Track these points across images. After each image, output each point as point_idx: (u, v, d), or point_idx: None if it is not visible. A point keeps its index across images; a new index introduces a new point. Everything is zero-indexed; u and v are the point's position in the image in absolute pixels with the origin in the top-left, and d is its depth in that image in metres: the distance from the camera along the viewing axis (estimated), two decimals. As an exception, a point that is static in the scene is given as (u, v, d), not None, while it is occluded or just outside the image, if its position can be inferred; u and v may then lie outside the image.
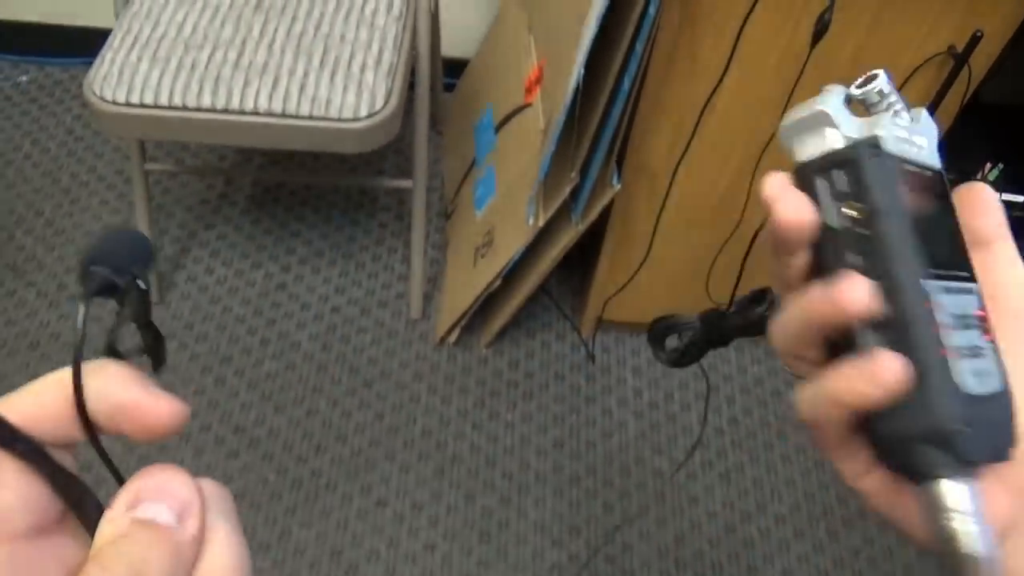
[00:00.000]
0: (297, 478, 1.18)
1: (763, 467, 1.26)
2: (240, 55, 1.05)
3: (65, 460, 0.21)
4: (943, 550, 0.24)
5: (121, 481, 0.20)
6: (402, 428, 1.24)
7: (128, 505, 0.19)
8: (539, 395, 1.30)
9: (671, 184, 1.06)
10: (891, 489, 0.27)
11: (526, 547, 1.15)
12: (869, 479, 0.27)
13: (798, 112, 0.28)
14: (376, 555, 1.13)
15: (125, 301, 0.23)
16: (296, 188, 1.53)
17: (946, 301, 0.25)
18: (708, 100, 0.94)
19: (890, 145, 0.26)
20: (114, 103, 1.01)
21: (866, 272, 0.25)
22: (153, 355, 0.24)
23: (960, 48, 0.89)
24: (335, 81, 1.04)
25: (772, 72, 0.92)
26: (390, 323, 1.36)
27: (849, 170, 0.26)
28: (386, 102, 1.04)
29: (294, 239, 1.45)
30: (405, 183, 1.28)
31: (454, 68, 1.61)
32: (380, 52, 1.08)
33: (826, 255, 0.26)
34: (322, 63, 1.05)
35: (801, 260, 0.27)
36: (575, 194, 1.08)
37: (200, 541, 0.20)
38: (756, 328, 0.35)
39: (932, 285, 0.25)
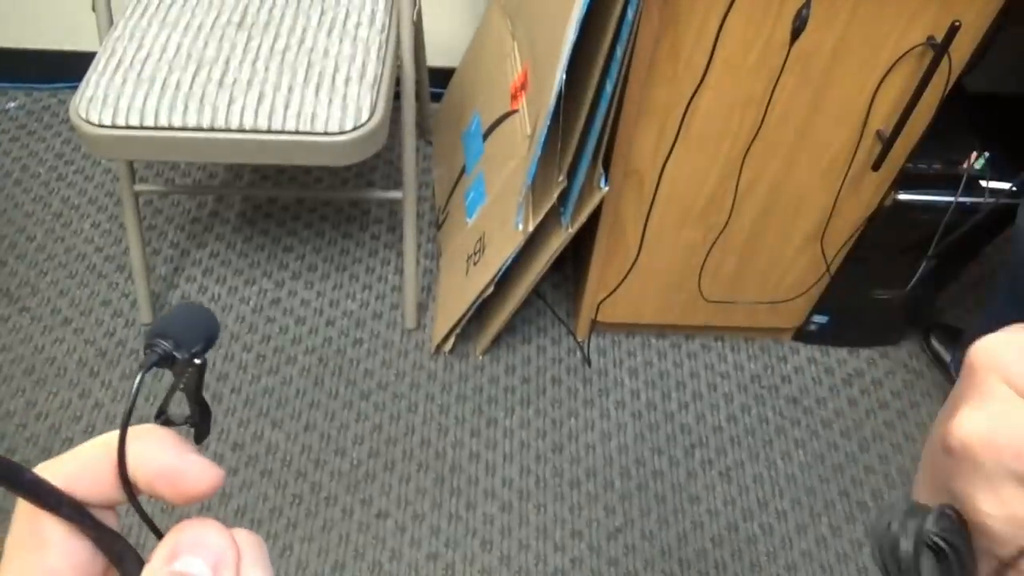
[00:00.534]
0: (297, 493, 1.18)
1: (763, 464, 1.26)
2: (224, 73, 1.05)
3: (108, 518, 0.22)
4: None
5: (160, 536, 0.22)
6: (400, 438, 1.24)
7: (167, 559, 0.21)
8: (536, 400, 1.30)
9: (658, 184, 1.06)
10: None
11: (528, 553, 1.15)
12: None
13: None
14: (379, 567, 1.13)
15: (180, 375, 0.24)
16: (287, 203, 1.53)
17: None
18: (691, 100, 0.94)
19: None
20: (100, 126, 1.01)
21: None
22: (197, 428, 0.26)
23: (939, 39, 0.90)
24: (320, 95, 1.04)
25: (753, 70, 0.92)
26: (385, 334, 1.36)
27: None
28: (371, 115, 1.04)
29: (286, 254, 1.45)
30: (395, 194, 1.28)
31: (440, 77, 1.61)
32: (364, 65, 1.09)
33: None
34: (306, 78, 1.06)
35: None
36: (563, 198, 1.09)
37: None
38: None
39: None
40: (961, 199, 1.12)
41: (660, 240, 1.17)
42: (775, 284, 1.27)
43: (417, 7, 1.27)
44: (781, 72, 0.91)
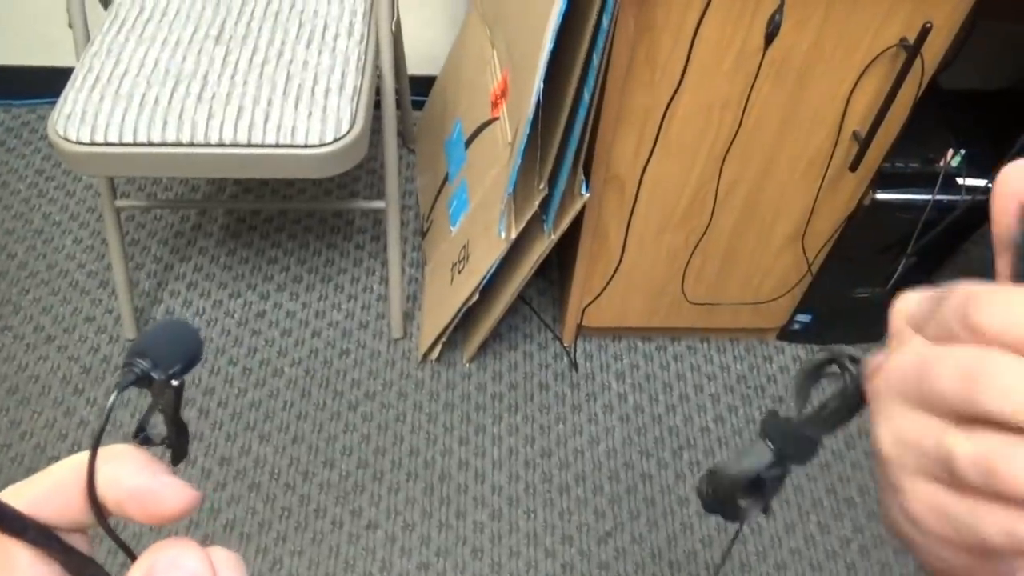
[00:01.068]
0: (286, 506, 1.18)
1: (751, 463, 1.26)
2: (203, 88, 1.05)
3: (79, 541, 0.22)
4: None
5: (133, 559, 0.21)
6: (389, 448, 1.24)
7: None
8: (524, 406, 1.31)
9: (639, 189, 1.07)
10: None
11: (519, 560, 1.15)
12: None
13: None
14: (370, 578, 1.12)
15: (157, 395, 0.24)
16: (270, 215, 1.53)
17: None
18: (668, 105, 0.95)
19: None
20: (79, 143, 1.00)
21: None
22: (174, 449, 0.25)
23: (911, 40, 0.91)
24: (299, 108, 1.04)
25: (729, 74, 0.93)
26: (372, 344, 1.36)
27: None
28: (351, 126, 1.04)
29: (271, 266, 1.45)
30: (379, 204, 1.28)
31: (422, 85, 1.61)
32: (343, 76, 1.09)
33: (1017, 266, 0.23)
34: (285, 91, 1.06)
35: (1003, 263, 0.24)
36: (545, 205, 1.09)
37: None
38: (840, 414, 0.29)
39: None
40: (938, 197, 1.13)
41: (643, 244, 1.17)
42: (758, 285, 1.27)
43: (396, 17, 1.27)
44: (757, 76, 0.92)
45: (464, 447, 1.25)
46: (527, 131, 0.97)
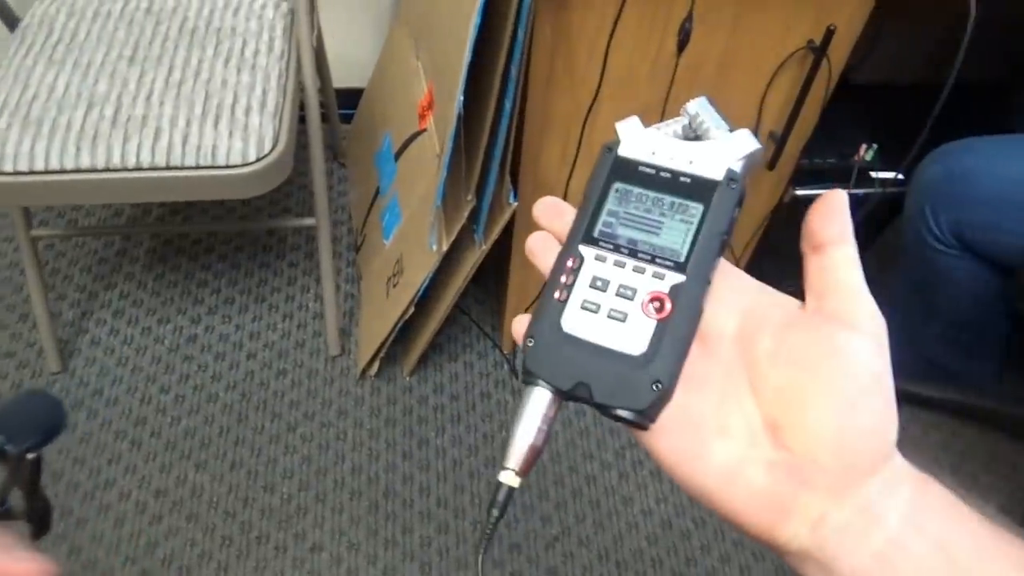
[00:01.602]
0: (226, 535, 1.15)
1: (692, 459, 1.29)
2: (117, 111, 1.02)
3: None
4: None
5: None
6: (331, 468, 1.23)
7: None
8: (467, 416, 1.31)
9: (566, 196, 1.08)
10: None
11: (468, 571, 1.15)
12: None
13: None
14: (317, 601, 1.11)
15: (13, 469, 0.23)
16: (199, 236, 1.50)
17: (599, 267, 0.31)
18: (589, 112, 0.96)
19: (626, 151, 0.32)
20: (-14, 173, 0.97)
21: None
22: (36, 523, 0.25)
23: (818, 42, 0.95)
24: (219, 128, 1.02)
25: (646, 80, 0.95)
26: (309, 363, 1.34)
27: None
28: (275, 144, 1.03)
29: (201, 289, 1.42)
30: (309, 221, 1.27)
31: (350, 98, 1.60)
32: (264, 94, 1.07)
33: None
34: (204, 111, 1.04)
35: None
36: (475, 215, 1.09)
37: None
38: None
39: (587, 251, 0.31)
40: (854, 191, 1.17)
41: (575, 249, 1.18)
42: (690, 284, 1.30)
43: (317, 31, 1.26)
44: (672, 82, 0.94)
45: (408, 461, 1.25)
46: (451, 142, 0.97)
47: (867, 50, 1.37)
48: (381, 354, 1.29)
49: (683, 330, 0.29)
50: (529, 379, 0.31)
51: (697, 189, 0.31)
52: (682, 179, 0.31)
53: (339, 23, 1.52)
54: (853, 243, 0.30)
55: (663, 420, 0.29)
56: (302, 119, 1.14)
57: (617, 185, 0.32)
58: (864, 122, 1.28)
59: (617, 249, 0.31)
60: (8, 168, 0.96)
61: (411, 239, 1.21)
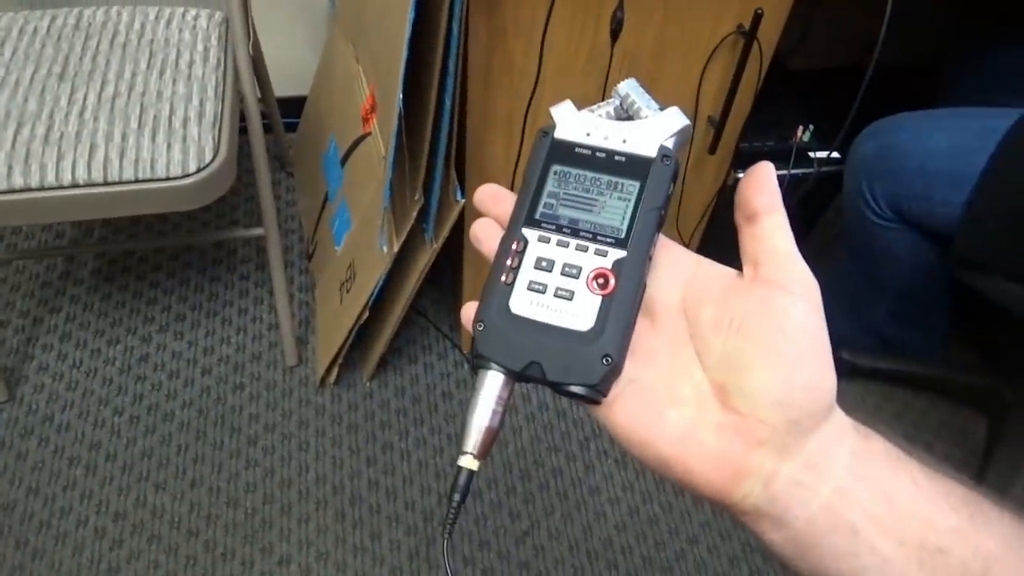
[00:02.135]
0: (190, 555, 1.13)
1: (655, 444, 1.30)
2: (49, 128, 1.00)
3: None
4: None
5: None
6: (295, 479, 1.21)
7: None
8: (430, 418, 1.30)
9: (512, 189, 1.08)
10: None
11: (439, 572, 1.14)
12: None
13: None
14: (287, 614, 1.09)
15: None
16: (145, 254, 1.47)
17: (543, 248, 0.31)
18: (529, 106, 0.97)
19: (562, 134, 0.33)
20: (-87, 198, 0.94)
21: None
22: None
23: (747, 26, 0.97)
24: (157, 140, 1.00)
25: (584, 71, 0.96)
26: (267, 375, 1.32)
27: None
28: (215, 154, 1.01)
29: (151, 307, 1.39)
30: (258, 231, 1.25)
31: (292, 106, 1.59)
32: (202, 104, 1.06)
33: None
34: (140, 124, 1.02)
35: None
36: (424, 215, 1.09)
37: None
38: None
39: (530, 233, 0.32)
40: (793, 171, 1.20)
41: (526, 244, 1.19)
42: (642, 272, 1.32)
43: (253, 39, 1.25)
44: (609, 71, 0.95)
45: (372, 467, 1.24)
46: (394, 141, 0.97)
47: (801, 37, 1.41)
48: (339, 361, 1.28)
49: (628, 303, 0.30)
50: (481, 363, 0.31)
51: (632, 167, 0.32)
52: (617, 158, 0.32)
53: (276, 32, 1.50)
54: (783, 211, 0.31)
55: (616, 393, 0.30)
56: (244, 129, 1.13)
57: (555, 167, 0.33)
58: (801, 106, 1.31)
59: (559, 229, 0.32)
60: (-64, 192, 0.94)
61: (362, 243, 1.20)
